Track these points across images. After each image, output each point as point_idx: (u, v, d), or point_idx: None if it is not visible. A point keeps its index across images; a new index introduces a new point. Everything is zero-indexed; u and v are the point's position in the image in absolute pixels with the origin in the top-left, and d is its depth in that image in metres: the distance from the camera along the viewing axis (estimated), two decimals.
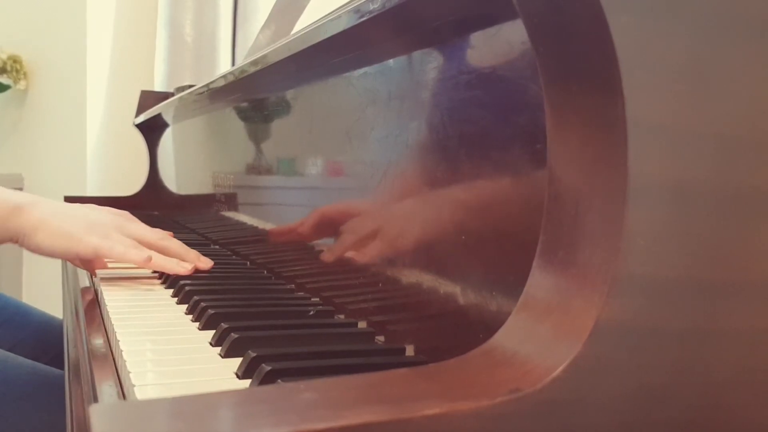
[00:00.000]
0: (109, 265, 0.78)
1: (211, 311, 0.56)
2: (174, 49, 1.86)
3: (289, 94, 0.76)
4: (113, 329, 0.54)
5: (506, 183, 0.40)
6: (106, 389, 0.45)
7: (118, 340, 0.50)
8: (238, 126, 0.95)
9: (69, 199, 1.24)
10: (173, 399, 0.25)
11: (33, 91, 2.20)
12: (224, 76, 0.83)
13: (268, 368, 0.40)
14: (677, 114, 0.26)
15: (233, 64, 1.82)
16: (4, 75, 2.11)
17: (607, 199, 0.26)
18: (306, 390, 0.26)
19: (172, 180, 1.49)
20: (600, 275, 0.26)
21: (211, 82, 0.89)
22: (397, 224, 0.52)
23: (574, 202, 0.28)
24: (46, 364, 0.81)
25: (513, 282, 0.38)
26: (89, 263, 0.75)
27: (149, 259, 0.70)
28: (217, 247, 0.99)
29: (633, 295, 0.26)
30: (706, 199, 0.27)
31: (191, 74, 1.82)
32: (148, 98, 1.56)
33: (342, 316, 0.59)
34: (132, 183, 1.64)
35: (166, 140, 1.52)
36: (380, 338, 0.53)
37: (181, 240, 0.83)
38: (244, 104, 0.91)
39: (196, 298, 0.61)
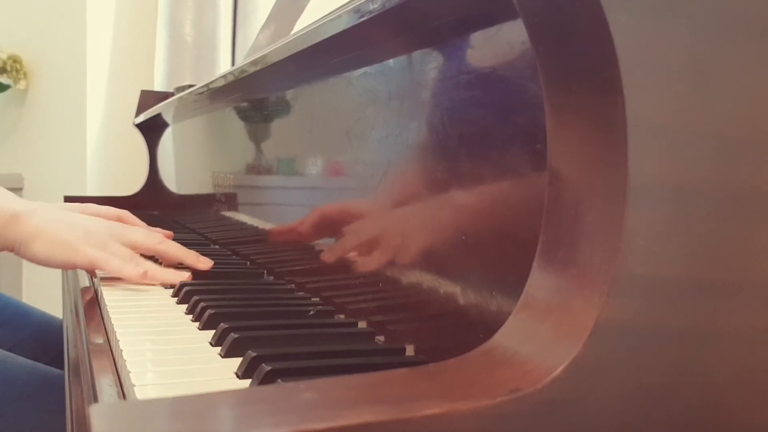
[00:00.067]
0: None
1: (210, 311, 0.56)
2: (174, 49, 1.86)
3: (289, 94, 0.76)
4: (113, 329, 0.54)
5: (506, 183, 0.40)
6: (106, 389, 0.45)
7: (118, 340, 0.50)
8: (238, 126, 0.95)
9: (69, 199, 1.23)
10: (173, 399, 0.25)
11: (33, 91, 2.20)
12: (224, 76, 0.83)
13: (268, 368, 0.40)
14: (677, 114, 0.26)
15: (233, 64, 1.82)
16: (4, 75, 2.11)
17: (607, 199, 0.26)
18: (306, 390, 0.26)
19: (172, 180, 1.49)
20: (600, 275, 0.26)
21: (211, 82, 0.89)
22: (397, 224, 0.52)
23: (574, 202, 0.28)
24: (46, 364, 0.81)
25: (513, 282, 0.38)
26: (108, 273, 0.75)
27: (145, 274, 0.70)
28: (217, 247, 0.99)
29: (633, 295, 0.26)
30: (706, 199, 0.27)
31: (191, 74, 1.82)
32: (148, 98, 1.56)
33: (342, 316, 0.59)
34: (132, 183, 1.64)
35: (166, 140, 1.52)
36: (380, 338, 0.53)
37: (181, 240, 0.83)
38: (244, 104, 0.91)
39: (195, 298, 0.61)
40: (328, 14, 0.53)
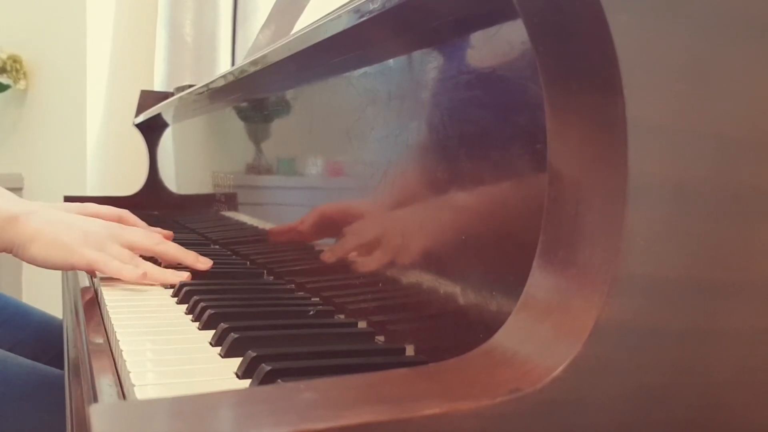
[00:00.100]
0: None
1: (210, 311, 0.56)
2: (174, 49, 1.86)
3: (289, 94, 0.76)
4: (113, 329, 0.54)
5: (506, 183, 0.40)
6: (106, 389, 0.45)
7: (118, 340, 0.50)
8: (238, 126, 0.95)
9: (69, 199, 1.23)
10: (173, 399, 0.25)
11: (33, 91, 2.20)
12: (224, 76, 0.83)
13: (268, 368, 0.40)
14: (677, 114, 0.26)
15: (233, 64, 1.82)
16: (4, 75, 2.11)
17: (607, 199, 0.26)
18: (306, 390, 0.26)
19: (172, 180, 1.49)
20: (600, 275, 0.26)
21: (211, 82, 0.89)
22: (397, 224, 0.52)
23: (574, 202, 0.28)
24: (46, 364, 0.81)
25: (513, 282, 0.38)
26: (107, 275, 0.75)
27: (144, 276, 0.70)
28: (217, 247, 0.99)
29: (633, 295, 0.26)
30: (706, 199, 0.27)
31: (191, 74, 1.82)
32: (148, 98, 1.56)
33: (342, 316, 0.59)
34: (132, 183, 1.64)
35: (166, 140, 1.52)
36: (380, 338, 0.53)
37: (181, 240, 0.83)
38: (244, 104, 0.91)
39: (195, 298, 0.61)
40: (328, 14, 0.53)
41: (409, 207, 0.50)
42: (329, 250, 0.64)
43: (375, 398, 0.25)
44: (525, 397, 0.25)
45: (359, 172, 0.58)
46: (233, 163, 0.97)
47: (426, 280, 0.47)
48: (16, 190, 2.16)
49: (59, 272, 1.02)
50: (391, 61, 0.53)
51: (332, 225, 0.64)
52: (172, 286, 0.70)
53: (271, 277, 0.78)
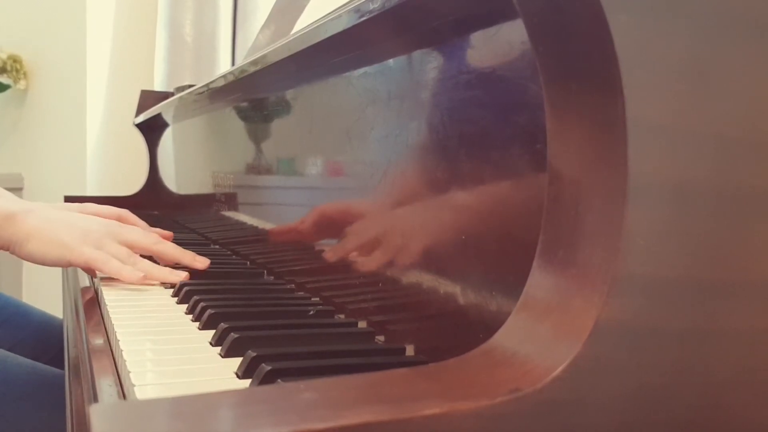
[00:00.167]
0: None
1: (210, 311, 0.56)
2: (174, 49, 1.86)
3: (289, 94, 0.76)
4: (113, 329, 0.54)
5: (506, 183, 0.40)
6: (106, 389, 0.45)
7: (118, 340, 0.50)
8: (238, 126, 0.95)
9: (69, 199, 1.23)
10: (173, 399, 0.25)
11: (33, 91, 2.20)
12: (224, 76, 0.83)
13: (268, 368, 0.40)
14: (677, 114, 0.26)
15: (233, 64, 1.82)
16: (4, 75, 2.11)
17: (607, 199, 0.26)
18: (306, 390, 0.26)
19: (172, 180, 1.49)
20: (600, 275, 0.26)
21: (211, 82, 0.89)
22: (397, 224, 0.52)
23: (574, 202, 0.28)
24: (46, 364, 0.81)
25: (513, 282, 0.38)
26: (105, 274, 0.75)
27: (143, 277, 0.70)
28: (217, 247, 0.99)
29: (633, 295, 0.26)
30: (706, 199, 0.27)
31: (191, 74, 1.82)
32: (148, 98, 1.56)
33: (342, 316, 0.59)
34: (132, 183, 1.64)
35: (166, 140, 1.52)
36: (380, 338, 0.53)
37: (181, 240, 0.83)
38: (244, 104, 0.91)
39: (195, 297, 0.61)
40: (328, 14, 0.53)
41: (409, 207, 0.50)
42: (329, 250, 0.64)
43: (375, 398, 0.25)
44: (525, 397, 0.25)
45: (359, 172, 0.58)
46: (233, 163, 0.97)
47: (426, 280, 0.47)
48: (16, 190, 2.16)
49: (59, 272, 1.02)
50: (391, 61, 0.53)
51: (332, 225, 0.64)
52: (171, 286, 0.70)
53: (271, 277, 0.78)
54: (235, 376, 0.44)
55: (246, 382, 0.42)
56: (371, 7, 0.45)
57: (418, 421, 0.24)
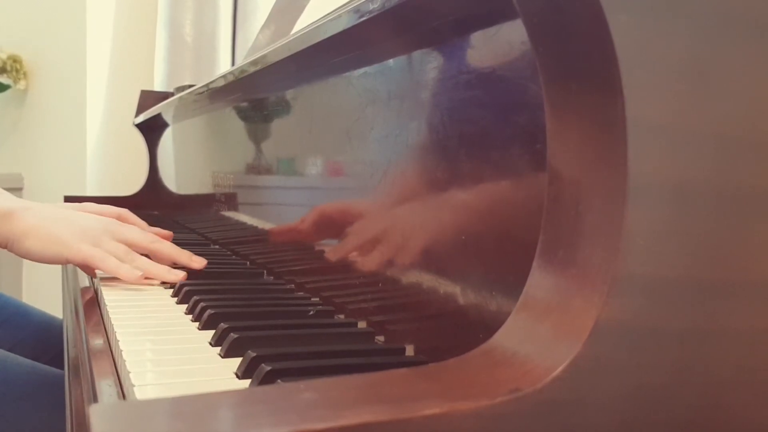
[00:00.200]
0: None
1: (210, 311, 0.56)
2: (174, 49, 1.86)
3: (289, 94, 0.76)
4: (113, 329, 0.54)
5: (506, 183, 0.40)
6: (106, 389, 0.45)
7: (118, 340, 0.50)
8: (238, 126, 0.95)
9: (69, 199, 1.23)
10: (173, 399, 0.25)
11: (33, 91, 2.20)
12: (224, 76, 0.83)
13: (268, 368, 0.40)
14: (677, 114, 0.26)
15: (233, 64, 1.82)
16: (4, 75, 2.11)
17: (607, 199, 0.26)
18: (306, 390, 0.26)
19: (172, 180, 1.49)
20: (600, 275, 0.26)
21: (211, 82, 0.89)
22: (397, 224, 0.52)
23: (574, 202, 0.28)
24: (46, 364, 0.81)
25: (513, 282, 0.38)
26: (90, 269, 0.75)
27: (141, 277, 0.70)
28: (217, 247, 0.99)
29: (633, 295, 0.26)
30: (706, 199, 0.27)
31: (191, 74, 1.82)
32: (148, 98, 1.56)
33: (342, 316, 0.59)
34: (132, 183, 1.64)
35: (166, 140, 1.52)
36: (380, 338, 0.53)
37: (181, 240, 0.83)
38: (244, 104, 0.91)
39: (195, 298, 0.61)
40: (328, 14, 0.53)
41: (408, 207, 0.50)
42: (329, 249, 0.64)
43: (375, 398, 0.25)
44: (525, 397, 0.25)
45: (359, 172, 0.58)
46: (233, 163, 0.97)
47: (426, 280, 0.47)
48: (16, 190, 2.16)
49: (59, 272, 1.02)
50: (391, 61, 0.53)
51: (332, 225, 0.64)
52: (171, 286, 0.70)
53: (271, 277, 0.78)
54: (234, 376, 0.44)
55: (246, 383, 0.42)
56: (371, 7, 0.45)
57: (418, 421, 0.24)
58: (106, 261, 0.70)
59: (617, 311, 0.26)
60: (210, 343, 0.51)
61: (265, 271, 0.80)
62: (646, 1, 0.25)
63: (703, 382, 0.28)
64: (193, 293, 0.63)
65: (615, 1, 0.25)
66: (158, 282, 0.72)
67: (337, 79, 0.62)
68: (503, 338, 0.29)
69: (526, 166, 0.38)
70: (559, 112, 0.28)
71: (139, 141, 1.55)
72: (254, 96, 0.86)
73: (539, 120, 0.36)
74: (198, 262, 0.76)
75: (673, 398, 0.28)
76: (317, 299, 0.65)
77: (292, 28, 0.92)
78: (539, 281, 0.29)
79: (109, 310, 0.60)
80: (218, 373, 0.44)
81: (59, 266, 1.03)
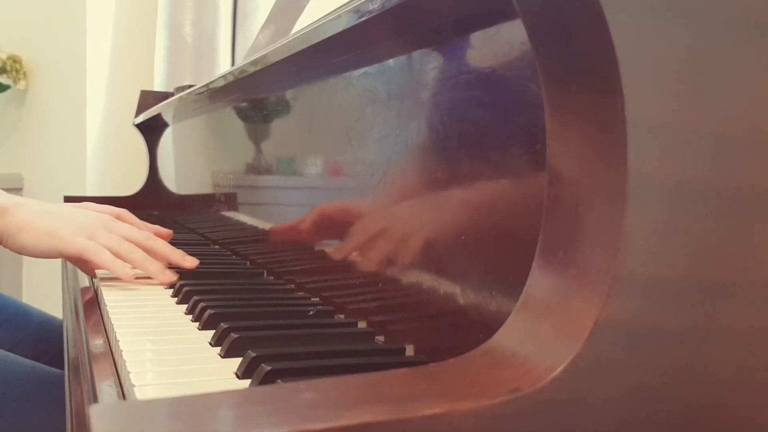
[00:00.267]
0: None
1: (210, 311, 0.56)
2: (174, 49, 1.86)
3: (289, 94, 0.76)
4: (113, 329, 0.54)
5: (506, 183, 0.40)
6: (106, 389, 0.45)
7: (118, 340, 0.50)
8: (237, 126, 0.95)
9: (69, 199, 1.24)
10: (173, 399, 0.25)
11: (33, 91, 2.20)
12: (224, 76, 0.83)
13: (268, 368, 0.40)
14: (677, 114, 0.26)
15: (233, 64, 1.82)
16: (4, 75, 2.11)
17: (607, 199, 0.26)
18: (306, 390, 0.26)
19: (171, 180, 1.49)
20: (600, 275, 0.26)
21: (211, 82, 0.89)
22: (397, 224, 0.52)
23: (574, 202, 0.28)
24: (46, 364, 0.81)
25: (513, 282, 0.38)
26: (87, 265, 0.75)
27: (134, 277, 0.70)
28: (217, 247, 0.99)
29: (633, 295, 0.26)
30: (706, 199, 0.27)
31: (191, 74, 1.82)
32: (148, 98, 1.56)
33: (342, 316, 0.59)
34: (132, 183, 1.64)
35: (166, 140, 1.52)
36: (380, 338, 0.53)
37: (181, 239, 0.83)
38: (244, 104, 0.91)
39: (195, 298, 0.61)
40: (328, 14, 0.53)
41: (408, 207, 0.50)
42: (329, 249, 0.64)
43: (375, 398, 0.25)
44: (525, 397, 0.25)
45: (359, 172, 0.58)
46: (233, 163, 0.97)
47: (426, 280, 0.47)
48: (16, 190, 2.16)
49: (59, 272, 1.02)
50: (391, 61, 0.53)
51: (332, 225, 0.64)
52: (171, 286, 0.70)
53: (271, 277, 0.78)
54: (235, 376, 0.44)
55: (246, 383, 0.42)
56: (371, 7, 0.45)
57: (418, 421, 0.24)
58: (101, 254, 0.70)
59: (617, 311, 0.26)
60: (210, 343, 0.51)
61: (265, 271, 0.80)
62: (646, 1, 0.25)
63: (703, 382, 0.28)
64: (193, 293, 0.63)
65: (615, 1, 0.25)
66: (153, 281, 0.72)
67: (337, 79, 0.62)
68: (503, 338, 0.29)
69: (526, 166, 0.38)
70: (559, 112, 0.28)
71: (139, 141, 1.55)
72: (254, 96, 0.86)
73: (539, 120, 0.36)
74: (190, 262, 0.76)
75: (673, 398, 0.28)
76: (317, 299, 0.65)
77: (292, 28, 0.92)
78: (539, 281, 0.29)
79: (109, 310, 0.60)
80: (218, 373, 0.44)
81: (59, 266, 1.03)
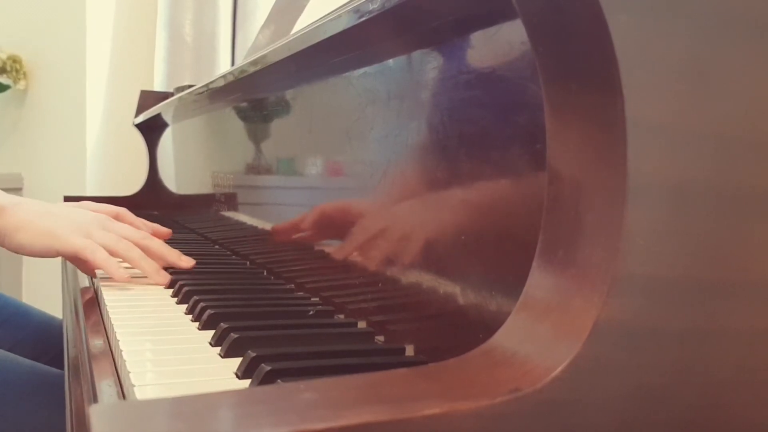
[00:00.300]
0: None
1: (210, 311, 0.56)
2: (174, 49, 1.86)
3: (289, 94, 0.76)
4: (113, 329, 0.54)
5: (506, 183, 0.40)
6: (106, 389, 0.45)
7: (118, 340, 0.50)
8: (237, 126, 0.95)
9: (68, 199, 1.23)
10: (173, 399, 0.25)
11: (33, 91, 2.20)
12: (224, 76, 0.83)
13: (268, 368, 0.40)
14: (677, 114, 0.26)
15: (233, 64, 1.82)
16: (4, 75, 2.11)
17: (607, 199, 0.26)
18: (306, 390, 0.26)
19: (171, 180, 1.49)
20: (600, 275, 0.26)
21: (211, 82, 0.89)
22: (397, 224, 0.52)
23: (573, 202, 0.28)
24: (46, 364, 0.81)
25: (513, 282, 0.38)
26: (86, 265, 0.75)
27: (129, 279, 0.70)
28: (217, 247, 0.99)
29: (633, 295, 0.26)
30: (706, 199, 0.27)
31: (191, 74, 1.82)
32: (148, 98, 1.56)
33: (342, 316, 0.59)
34: (132, 183, 1.64)
35: (166, 140, 1.52)
36: (380, 338, 0.53)
37: (181, 240, 0.83)
38: (244, 104, 0.91)
39: (195, 298, 0.61)
40: (328, 14, 0.53)
41: (408, 207, 0.50)
42: (329, 249, 0.64)
43: (375, 398, 0.25)
44: (525, 397, 0.25)
45: (359, 172, 0.58)
46: (233, 163, 0.97)
47: (426, 280, 0.47)
48: (16, 190, 2.16)
49: (59, 272, 1.02)
50: (390, 61, 0.53)
51: (332, 225, 0.64)
52: (171, 286, 0.70)
53: (271, 277, 0.78)
54: (234, 376, 0.44)
55: (246, 383, 0.42)
56: (371, 7, 0.45)
57: (418, 421, 0.24)
58: (96, 253, 0.70)
59: (617, 311, 0.26)
60: (210, 343, 0.51)
61: (265, 271, 0.80)
62: (646, 1, 0.25)
63: (703, 382, 0.28)
64: (193, 293, 0.63)
65: (615, 1, 0.25)
66: (148, 278, 0.72)
67: (337, 79, 0.62)
68: (503, 338, 0.29)
69: (526, 166, 0.38)
70: (559, 112, 0.28)
71: (139, 141, 1.55)
72: (254, 96, 0.86)
73: (539, 120, 0.36)
74: (186, 261, 0.77)
75: (673, 398, 0.28)
76: (317, 299, 0.65)
77: (291, 28, 0.92)
78: (539, 281, 0.29)
79: (108, 310, 0.60)
80: (218, 373, 0.44)
81: (59, 266, 1.03)
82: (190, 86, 1.15)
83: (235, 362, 0.45)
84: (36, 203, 0.75)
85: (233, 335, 0.48)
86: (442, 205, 0.46)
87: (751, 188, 0.28)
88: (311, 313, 0.60)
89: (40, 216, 0.72)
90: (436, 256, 0.46)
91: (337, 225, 0.63)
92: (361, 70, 0.57)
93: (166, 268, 0.75)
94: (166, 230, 0.84)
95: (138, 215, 0.85)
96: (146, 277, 0.72)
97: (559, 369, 0.26)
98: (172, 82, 1.78)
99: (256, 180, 0.88)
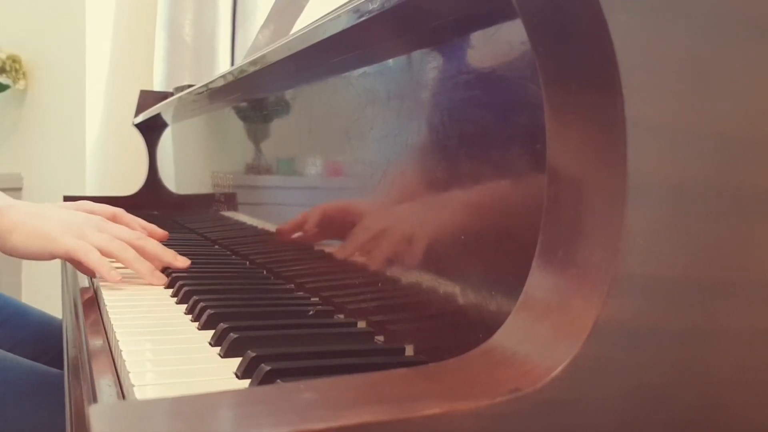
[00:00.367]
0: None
1: (210, 311, 0.56)
2: (173, 48, 1.86)
3: (289, 94, 0.76)
4: (112, 329, 0.54)
5: (506, 183, 0.40)
6: (106, 389, 0.45)
7: (118, 340, 0.50)
8: (237, 126, 0.95)
9: (68, 199, 1.23)
10: (173, 399, 0.25)
11: (32, 91, 2.19)
12: (223, 76, 0.83)
13: (268, 368, 0.40)
14: (677, 114, 0.26)
15: (232, 64, 1.82)
16: (4, 75, 2.11)
17: (607, 199, 0.26)
18: (306, 390, 0.26)
19: (171, 180, 1.49)
20: (599, 275, 0.26)
21: (211, 82, 0.89)
22: (397, 224, 0.52)
23: (573, 202, 0.28)
24: (45, 364, 0.81)
25: (513, 282, 0.38)
26: (83, 266, 0.75)
27: (121, 279, 0.70)
28: (216, 247, 0.99)
29: (633, 295, 0.26)
30: (706, 199, 0.27)
31: (190, 74, 1.82)
32: (148, 98, 1.56)
33: (342, 316, 0.59)
34: (131, 183, 1.64)
35: (166, 140, 1.52)
36: (380, 338, 0.53)
37: (180, 240, 0.83)
38: (244, 104, 0.91)
39: (195, 297, 0.61)
40: (328, 14, 0.53)
41: (408, 207, 0.50)
42: (329, 249, 0.64)
43: (375, 398, 0.25)
44: (525, 397, 0.25)
45: (359, 172, 0.58)
46: (233, 163, 0.97)
47: (425, 280, 0.47)
48: (16, 190, 2.16)
49: (59, 273, 1.02)
50: (390, 61, 0.53)
51: (332, 225, 0.64)
52: (170, 286, 0.69)
53: (271, 277, 0.78)
54: (234, 376, 0.44)
55: (246, 382, 0.42)
56: (370, 7, 0.45)
57: (418, 421, 0.24)
58: (90, 254, 0.70)
59: (617, 311, 0.26)
60: (210, 343, 0.51)
61: (264, 271, 0.80)
62: (646, 1, 0.25)
63: (703, 382, 0.28)
64: (193, 293, 0.63)
65: (615, 1, 0.25)
66: (144, 280, 0.72)
67: (337, 79, 0.62)
68: (503, 338, 0.29)
69: (526, 166, 0.38)
70: (559, 112, 0.28)
71: (138, 141, 1.55)
72: (254, 96, 0.86)
73: (539, 120, 0.36)
74: (182, 261, 0.76)
75: (673, 398, 0.28)
76: (317, 299, 0.65)
77: (291, 28, 0.92)
78: (539, 281, 0.29)
79: (108, 310, 0.60)
80: (218, 373, 0.44)
81: (59, 267, 1.03)
82: (189, 86, 1.15)
83: (235, 362, 0.45)
84: (29, 205, 0.75)
85: (233, 335, 0.48)
86: (441, 205, 0.46)
87: (751, 188, 0.28)
88: (311, 313, 0.60)
89: (34, 218, 0.72)
90: (436, 256, 0.46)
91: (336, 225, 0.63)
92: (361, 70, 0.57)
93: (164, 269, 0.75)
94: (162, 232, 0.84)
95: (138, 215, 0.85)
96: (141, 278, 0.72)
97: (559, 369, 0.26)
98: (171, 82, 1.78)
99: (255, 180, 0.88)
